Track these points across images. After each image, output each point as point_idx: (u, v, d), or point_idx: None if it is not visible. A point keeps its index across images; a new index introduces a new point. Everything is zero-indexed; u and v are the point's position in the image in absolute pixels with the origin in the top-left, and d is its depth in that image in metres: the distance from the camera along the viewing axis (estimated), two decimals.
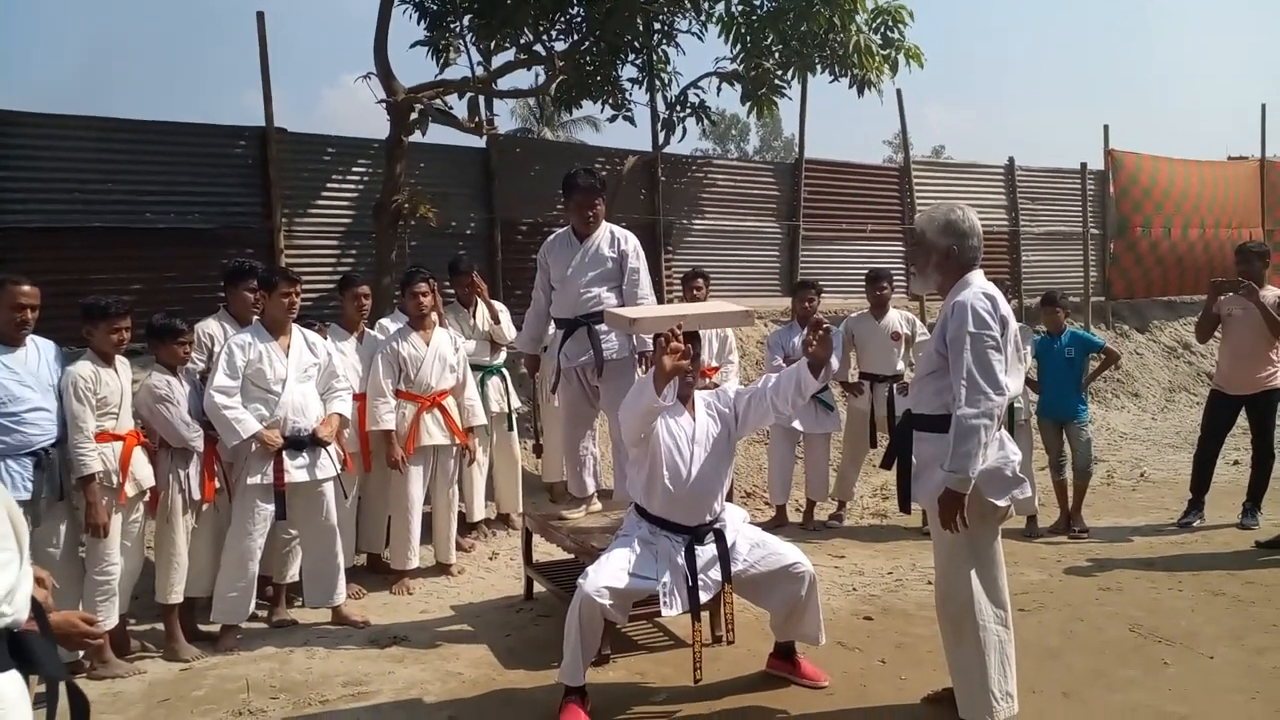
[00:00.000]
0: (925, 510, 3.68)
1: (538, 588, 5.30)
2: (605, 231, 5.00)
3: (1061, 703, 3.85)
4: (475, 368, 6.40)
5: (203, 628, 4.91)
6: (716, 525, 3.95)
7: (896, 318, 6.98)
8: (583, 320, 4.91)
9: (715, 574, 3.89)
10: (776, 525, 6.84)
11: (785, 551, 3.99)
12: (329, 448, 5.01)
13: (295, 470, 4.86)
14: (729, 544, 3.93)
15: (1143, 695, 3.90)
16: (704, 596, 3.87)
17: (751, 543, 4.01)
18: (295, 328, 5.07)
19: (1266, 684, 3.97)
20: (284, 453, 4.83)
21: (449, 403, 5.80)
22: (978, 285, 3.44)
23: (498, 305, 6.67)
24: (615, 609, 3.74)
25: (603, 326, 4.82)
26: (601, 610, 3.69)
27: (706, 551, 3.89)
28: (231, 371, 4.77)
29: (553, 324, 5.20)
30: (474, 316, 6.56)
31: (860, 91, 8.12)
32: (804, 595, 3.97)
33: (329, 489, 5.03)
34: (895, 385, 6.80)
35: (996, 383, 3.26)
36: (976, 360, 3.26)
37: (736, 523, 4.07)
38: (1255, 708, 3.76)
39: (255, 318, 5.12)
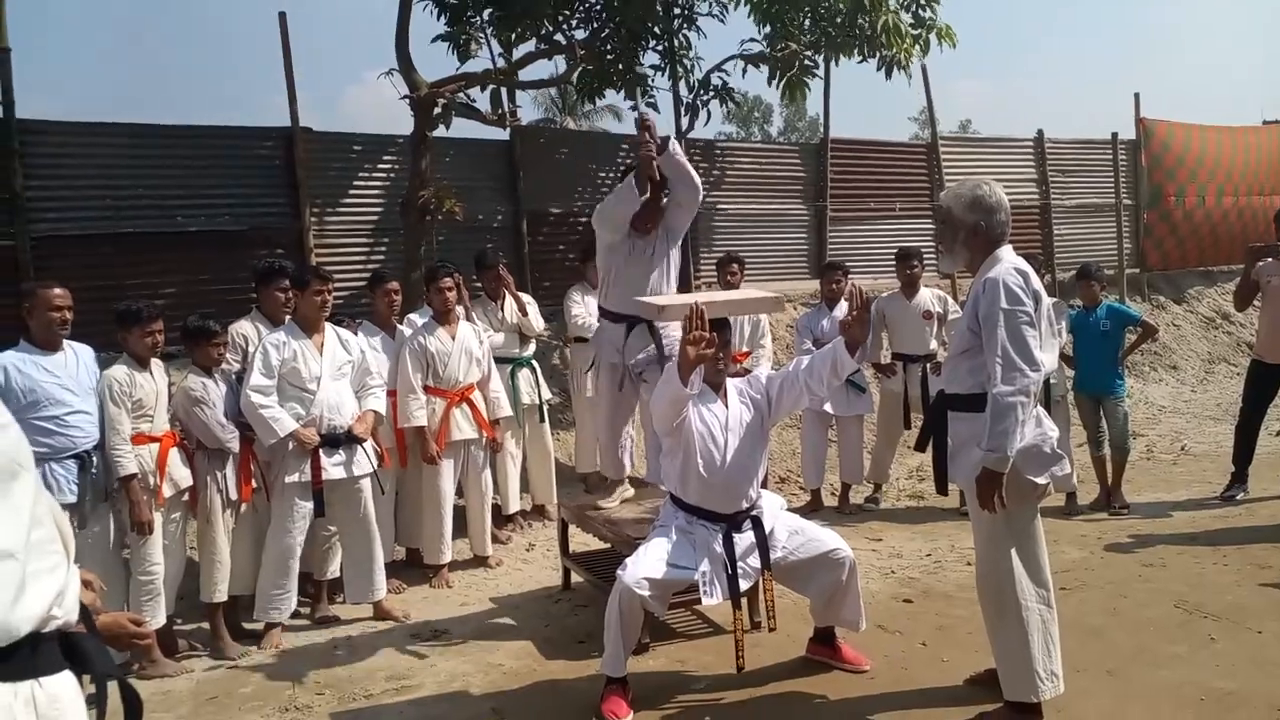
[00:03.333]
0: (963, 491, 3.64)
1: (575, 578, 5.33)
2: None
3: (1106, 680, 3.82)
4: (505, 360, 6.43)
5: (247, 626, 4.98)
6: (754, 512, 3.95)
7: (928, 296, 6.92)
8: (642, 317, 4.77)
9: (754, 561, 3.89)
10: (812, 510, 6.82)
11: (824, 537, 3.98)
12: (365, 444, 5.05)
13: (332, 468, 4.91)
14: (767, 531, 3.92)
15: (1189, 671, 3.86)
16: (743, 584, 3.86)
17: (790, 530, 4.00)
18: (328, 325, 5.11)
19: None
20: (320, 450, 4.87)
21: (476, 396, 5.84)
22: (1008, 261, 3.41)
23: (525, 297, 6.68)
24: (654, 599, 3.75)
25: (664, 324, 4.76)
26: (641, 601, 3.70)
27: (745, 539, 3.89)
28: (267, 371, 4.82)
29: (598, 313, 5.12)
30: (502, 309, 6.58)
31: (888, 74, 7.99)
32: (844, 581, 3.96)
33: (366, 485, 5.07)
34: (929, 365, 6.75)
35: (1031, 359, 3.22)
36: (1011, 337, 3.23)
37: (774, 509, 4.06)
38: None
39: (288, 317, 5.17)
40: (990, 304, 3.29)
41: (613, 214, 4.49)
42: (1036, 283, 3.39)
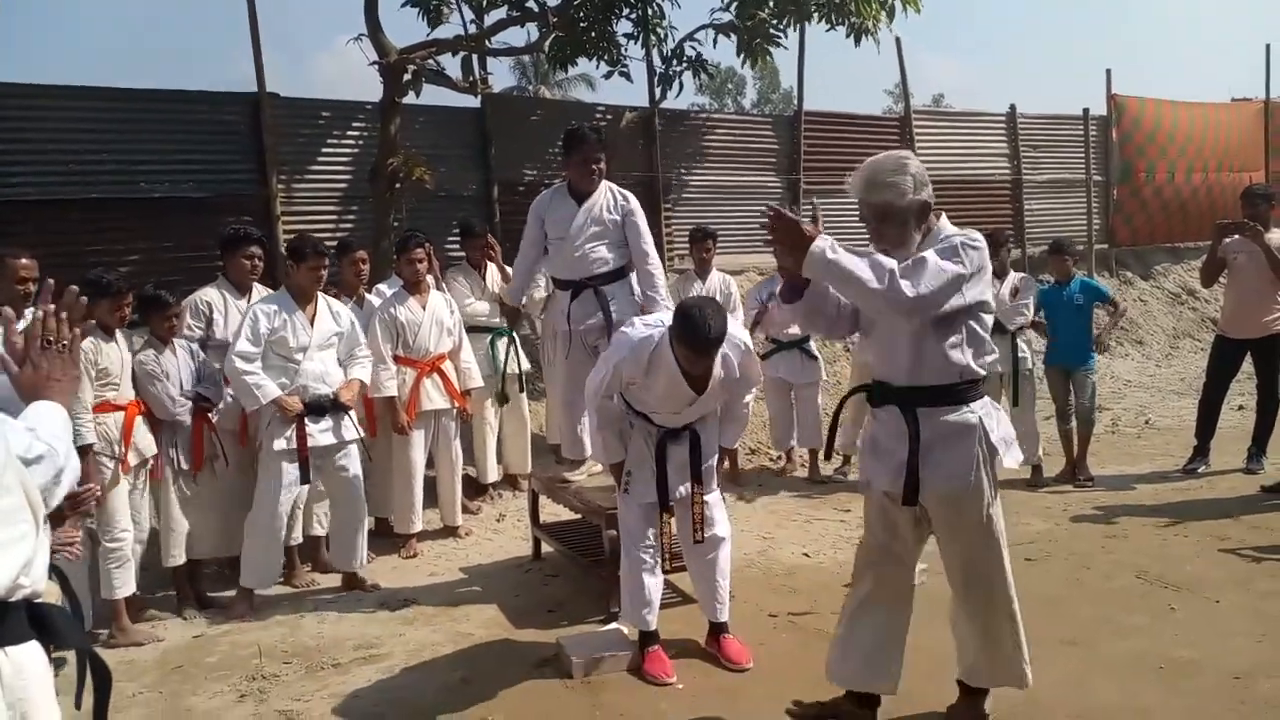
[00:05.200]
0: (934, 501, 3.10)
1: (545, 548, 5.33)
2: (605, 190, 4.87)
3: (1068, 650, 3.87)
4: (485, 330, 6.40)
5: (211, 594, 4.96)
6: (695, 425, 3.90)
7: None
8: (588, 283, 4.83)
9: (685, 476, 3.89)
10: (786, 469, 7.08)
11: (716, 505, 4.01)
12: (350, 412, 5.02)
13: (319, 434, 4.89)
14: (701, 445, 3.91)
15: (1149, 641, 3.92)
16: (677, 491, 3.87)
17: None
18: (320, 296, 5.06)
19: (1273, 627, 3.99)
20: (306, 418, 4.85)
21: (447, 366, 5.81)
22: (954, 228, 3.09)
23: (509, 268, 6.65)
24: (656, 546, 3.93)
25: (609, 288, 4.79)
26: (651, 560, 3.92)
27: (680, 452, 3.87)
28: (254, 338, 4.79)
29: (551, 283, 5.18)
30: (484, 278, 6.54)
31: (857, 40, 8.00)
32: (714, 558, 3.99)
33: (354, 451, 5.05)
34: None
35: (937, 290, 2.80)
36: (939, 267, 2.82)
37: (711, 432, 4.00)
38: (1262, 650, 3.78)
39: (256, 284, 5.12)
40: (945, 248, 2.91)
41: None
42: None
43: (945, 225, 3.09)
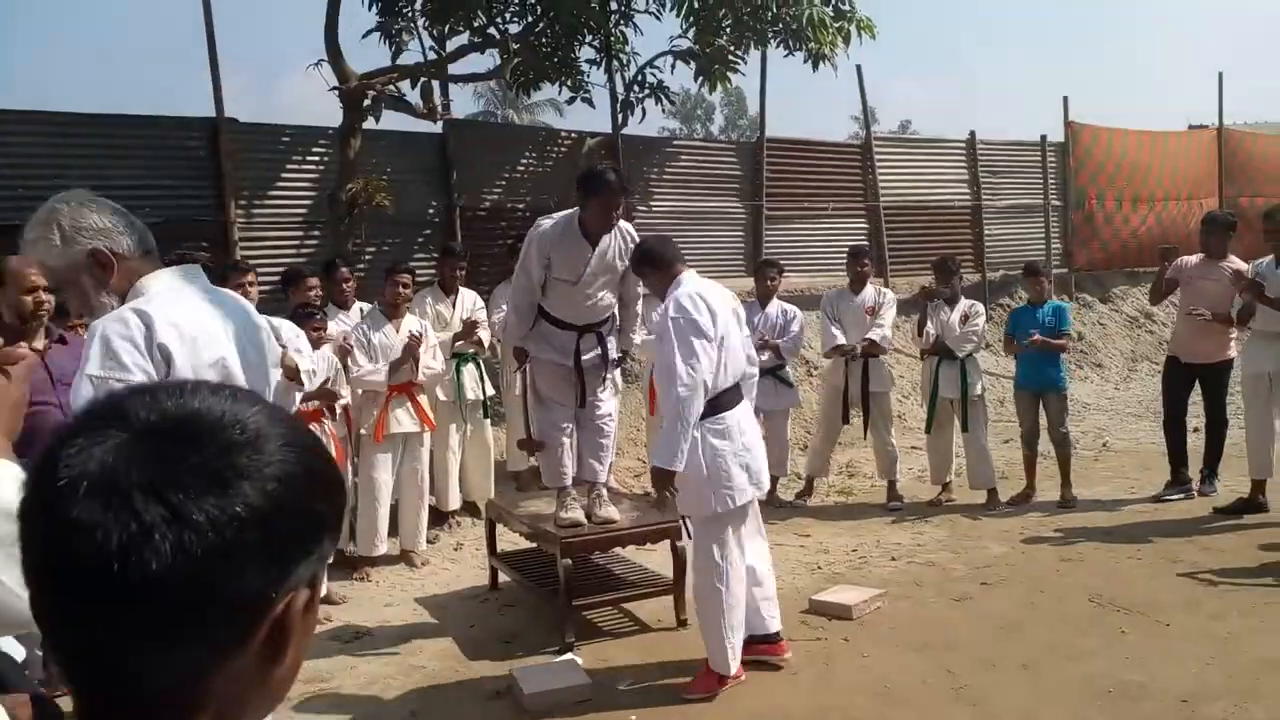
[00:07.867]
0: None
1: (503, 577, 5.28)
2: (615, 233, 4.57)
3: (1020, 674, 3.89)
4: (451, 355, 6.36)
5: None
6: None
7: (871, 293, 7.00)
8: (594, 326, 4.65)
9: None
10: None
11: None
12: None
13: None
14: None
15: (1100, 665, 3.95)
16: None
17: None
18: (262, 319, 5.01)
19: (1221, 649, 4.03)
20: None
21: (421, 395, 5.83)
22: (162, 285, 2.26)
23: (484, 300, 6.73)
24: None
25: (605, 329, 4.71)
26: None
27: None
28: None
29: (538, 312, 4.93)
30: (454, 303, 6.53)
31: (815, 66, 8.07)
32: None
33: None
34: (867, 358, 6.78)
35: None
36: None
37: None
38: (1210, 673, 3.81)
39: None
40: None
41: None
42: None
43: (155, 280, 2.26)
